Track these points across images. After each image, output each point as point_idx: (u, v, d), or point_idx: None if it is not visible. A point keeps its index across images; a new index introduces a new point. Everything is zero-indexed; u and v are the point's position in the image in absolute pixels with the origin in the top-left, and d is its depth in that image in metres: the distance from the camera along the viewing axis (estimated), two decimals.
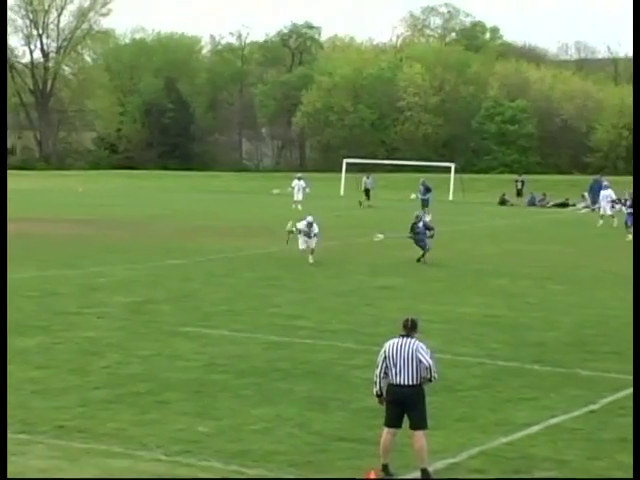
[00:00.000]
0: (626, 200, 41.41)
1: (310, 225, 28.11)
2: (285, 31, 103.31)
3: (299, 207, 47.12)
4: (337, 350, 17.04)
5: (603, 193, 46.11)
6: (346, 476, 10.80)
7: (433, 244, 28.89)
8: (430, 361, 10.71)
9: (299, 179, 51.09)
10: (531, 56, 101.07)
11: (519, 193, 60.29)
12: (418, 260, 28.43)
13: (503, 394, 14.32)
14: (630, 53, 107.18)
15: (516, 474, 10.93)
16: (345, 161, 64.88)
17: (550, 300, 22.92)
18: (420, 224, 28.83)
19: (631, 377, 15.31)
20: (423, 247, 28.58)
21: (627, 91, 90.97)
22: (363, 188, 55.28)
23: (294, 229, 28.67)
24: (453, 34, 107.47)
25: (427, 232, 28.71)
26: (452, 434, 12.21)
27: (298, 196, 49.45)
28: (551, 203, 58.01)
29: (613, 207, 44.72)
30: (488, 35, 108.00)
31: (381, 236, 31.42)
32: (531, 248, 34.11)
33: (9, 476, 10.16)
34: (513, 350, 17.28)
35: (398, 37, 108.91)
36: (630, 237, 35.88)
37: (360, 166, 67.39)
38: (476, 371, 15.70)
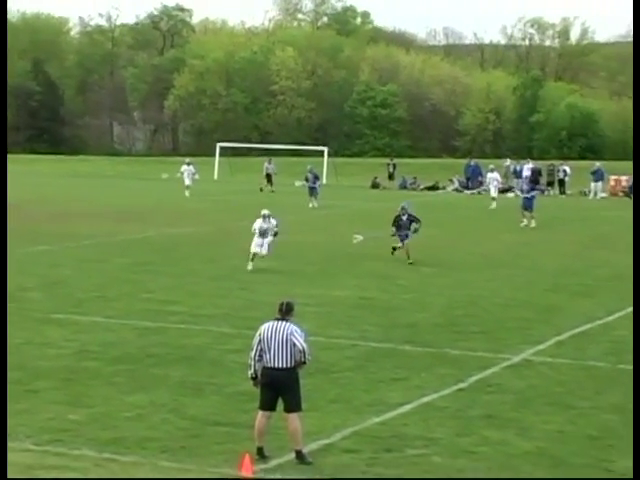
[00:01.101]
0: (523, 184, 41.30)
1: (267, 218, 24.77)
2: (156, 13, 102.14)
3: (187, 193, 46.60)
4: (211, 335, 17.03)
5: (490, 176, 47.13)
6: (219, 460, 10.83)
7: (411, 238, 26.37)
8: (304, 344, 10.82)
9: (188, 164, 49.23)
10: (401, 41, 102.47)
11: (391, 176, 61.04)
12: (394, 250, 26.37)
13: (376, 375, 14.57)
14: (496, 39, 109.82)
15: (388, 452, 11.16)
16: (218, 145, 64.63)
17: (421, 282, 23.35)
18: (404, 217, 26.43)
19: (498, 355, 15.82)
20: (403, 239, 26.32)
21: (493, 76, 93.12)
22: (265, 173, 54.99)
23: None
24: (325, 18, 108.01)
25: (411, 225, 26.41)
26: (326, 415, 12.37)
27: (187, 182, 48.24)
28: (422, 186, 58.94)
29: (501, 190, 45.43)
30: (359, 20, 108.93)
31: (360, 237, 27.97)
32: None
33: None
34: (386, 332, 17.57)
35: (270, 21, 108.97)
36: (526, 222, 35.73)
37: (234, 150, 67.29)
38: (349, 353, 15.91)
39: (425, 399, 13.33)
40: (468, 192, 56.02)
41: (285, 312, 11.03)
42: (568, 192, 56.72)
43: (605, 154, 77.72)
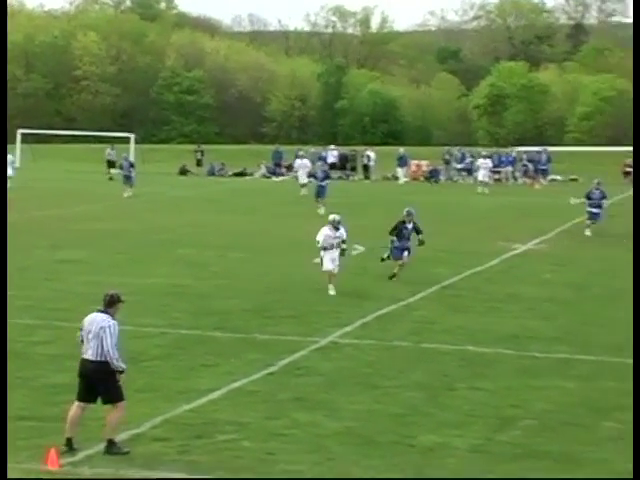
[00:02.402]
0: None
1: (336, 227, 20.37)
2: None
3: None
4: (17, 327, 16.58)
5: (299, 162, 47.27)
6: (24, 456, 10.59)
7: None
8: (110, 348, 10.61)
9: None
10: (206, 27, 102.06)
11: (199, 163, 60.89)
12: (392, 276, 21.67)
13: (185, 362, 14.59)
14: (300, 27, 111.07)
15: (199, 439, 11.22)
16: (20, 132, 62.65)
17: (233, 268, 23.46)
18: (410, 225, 21.98)
19: (307, 338, 16.11)
20: (399, 256, 21.75)
21: (298, 63, 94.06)
22: (106, 160, 53.60)
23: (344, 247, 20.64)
24: (128, 2, 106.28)
25: (418, 236, 22.11)
26: (135, 405, 12.28)
27: (10, 172, 45.38)
28: (230, 172, 59.07)
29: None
30: (163, 4, 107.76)
31: (361, 248, 24.54)
32: (213, 217, 34.64)
33: None
34: (196, 319, 17.59)
35: (71, 4, 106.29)
36: (321, 211, 35.76)
37: (36, 137, 65.36)
38: (158, 341, 15.86)
39: (235, 384, 13.45)
40: (276, 178, 56.52)
41: (106, 304, 10.90)
42: (373, 177, 58.05)
43: (406, 140, 79.90)
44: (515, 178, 58.72)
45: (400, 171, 57.25)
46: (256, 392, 13.17)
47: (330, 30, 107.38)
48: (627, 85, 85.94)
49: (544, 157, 58.58)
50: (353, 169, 60.10)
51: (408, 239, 21.92)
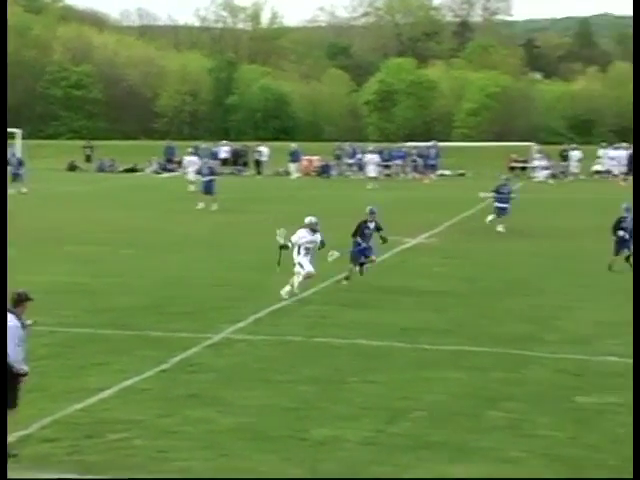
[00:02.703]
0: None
1: (313, 229, 19.49)
2: None
3: None
4: None
5: (187, 159, 46.98)
6: None
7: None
8: (11, 352, 10.41)
9: None
10: (93, 20, 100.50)
11: (88, 159, 60.06)
12: (346, 278, 20.93)
13: (75, 361, 14.36)
14: (190, 21, 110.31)
15: (89, 439, 11.06)
16: None
17: (126, 265, 23.19)
18: (372, 225, 21.19)
19: (200, 335, 16.02)
20: (357, 259, 20.87)
21: (188, 58, 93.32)
22: None
23: (288, 243, 19.65)
24: None
25: (380, 234, 21.42)
26: (23, 406, 11.99)
27: None
28: (120, 168, 58.37)
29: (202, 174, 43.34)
30: None
31: (337, 253, 21.05)
32: (104, 214, 34.18)
33: None
34: (87, 316, 17.33)
35: None
36: (203, 205, 35.68)
37: None
38: (47, 340, 15.53)
39: (127, 382, 13.30)
40: (166, 174, 56.05)
41: (14, 303, 10.66)
42: (265, 173, 58.05)
43: (297, 135, 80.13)
44: (405, 173, 59.43)
45: (292, 166, 57.41)
46: (148, 390, 13.03)
47: (220, 25, 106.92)
48: (511, 82, 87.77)
49: (433, 152, 59.46)
50: (245, 164, 60.03)
51: (370, 238, 21.18)
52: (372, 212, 21.34)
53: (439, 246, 27.62)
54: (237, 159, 60.02)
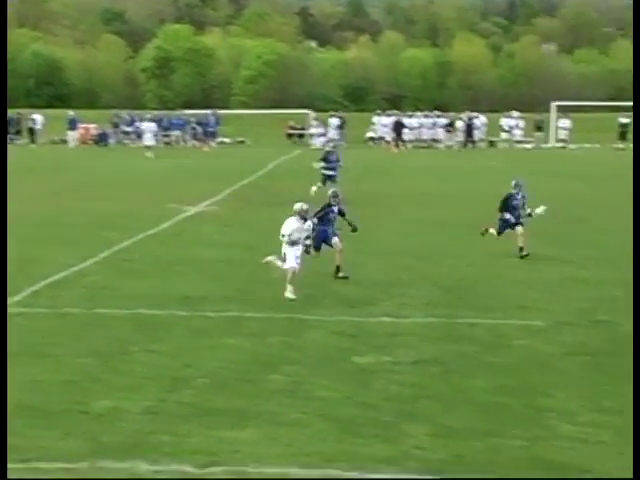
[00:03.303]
0: None
1: (304, 217, 17.22)
2: None
3: None
4: None
5: None
6: None
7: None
8: None
9: None
10: None
11: None
12: (317, 250, 18.40)
13: None
14: None
15: None
16: None
17: None
18: (335, 208, 18.97)
19: None
20: (318, 246, 18.47)
21: None
22: None
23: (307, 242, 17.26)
24: None
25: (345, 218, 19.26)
26: None
27: None
28: None
29: None
30: None
31: (272, 259, 17.58)
32: None
33: None
34: None
35: None
36: None
37: None
38: None
39: None
40: None
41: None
42: (40, 141, 56.44)
43: (73, 102, 78.23)
44: (185, 141, 59.21)
45: (70, 134, 56.10)
46: None
47: None
48: (287, 49, 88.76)
49: (212, 120, 59.51)
50: (18, 133, 58.15)
51: (333, 224, 18.95)
52: (334, 194, 19.11)
53: (220, 214, 27.77)
54: (10, 127, 58.05)
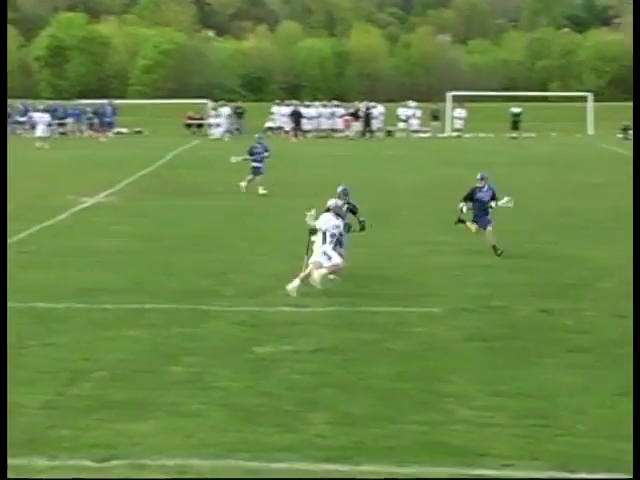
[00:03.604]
0: None
1: (339, 214, 16.59)
2: None
3: None
4: None
5: None
6: None
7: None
8: None
9: None
10: None
11: None
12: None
13: None
14: None
15: None
16: None
17: None
18: (344, 207, 17.48)
19: None
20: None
21: None
22: None
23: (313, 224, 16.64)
24: None
25: (356, 217, 17.90)
26: None
27: None
28: None
29: None
30: None
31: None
32: None
33: None
34: None
35: None
36: None
37: None
38: None
39: None
40: None
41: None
42: None
43: None
44: (81, 131, 58.34)
45: None
46: None
47: None
48: (184, 39, 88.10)
49: (109, 110, 58.77)
50: None
51: (345, 228, 17.39)
52: (345, 192, 17.91)
53: (117, 205, 27.47)
54: None
